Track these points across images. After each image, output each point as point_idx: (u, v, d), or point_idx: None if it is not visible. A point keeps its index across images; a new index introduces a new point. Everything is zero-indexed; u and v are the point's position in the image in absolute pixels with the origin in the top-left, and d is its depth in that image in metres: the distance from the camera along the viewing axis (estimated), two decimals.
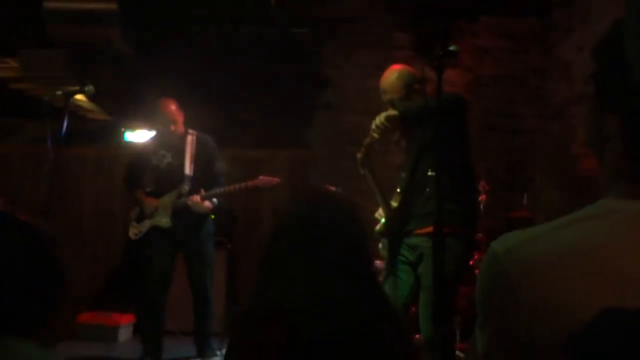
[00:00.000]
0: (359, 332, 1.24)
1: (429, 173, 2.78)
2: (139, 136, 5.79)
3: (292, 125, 5.64)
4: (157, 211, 4.10)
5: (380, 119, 2.82)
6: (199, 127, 4.30)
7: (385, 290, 1.56)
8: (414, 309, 3.15)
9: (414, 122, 2.93)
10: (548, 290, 0.70)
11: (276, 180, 4.06)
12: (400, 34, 5.10)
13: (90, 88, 3.18)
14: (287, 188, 4.25)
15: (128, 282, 5.03)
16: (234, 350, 1.32)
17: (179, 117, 4.16)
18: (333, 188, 3.35)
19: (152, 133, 4.46)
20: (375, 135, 2.86)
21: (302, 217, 1.39)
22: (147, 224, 4.11)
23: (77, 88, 3.23)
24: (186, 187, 4.09)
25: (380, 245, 3.15)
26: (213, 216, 4.20)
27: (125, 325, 4.89)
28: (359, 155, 3.07)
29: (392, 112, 2.86)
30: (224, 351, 2.67)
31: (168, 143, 4.16)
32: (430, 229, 2.45)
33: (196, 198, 4.02)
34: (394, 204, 3.04)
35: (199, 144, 4.18)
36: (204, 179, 4.12)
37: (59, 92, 3.12)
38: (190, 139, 4.17)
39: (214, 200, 4.10)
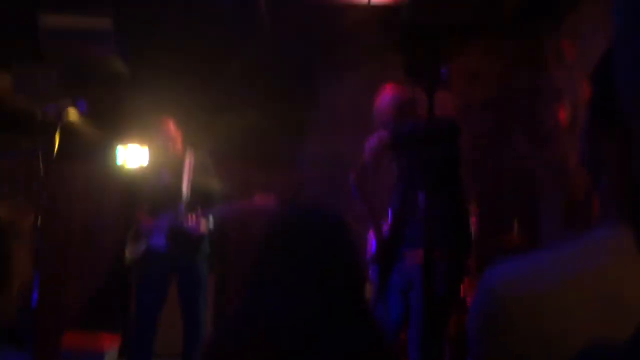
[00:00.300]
0: (334, 349, 1.22)
1: (420, 196, 2.79)
2: (131, 153, 5.78)
3: (284, 146, 5.64)
4: (154, 231, 4.08)
5: (372, 140, 2.83)
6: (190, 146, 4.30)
7: (372, 310, 1.54)
8: (403, 335, 3.13)
9: (406, 145, 2.94)
10: (547, 327, 0.69)
11: (273, 199, 4.02)
12: (392, 57, 5.14)
13: (83, 104, 3.18)
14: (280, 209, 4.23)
15: (116, 301, 4.98)
16: None
17: (178, 137, 4.16)
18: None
19: (145, 150, 4.45)
20: (367, 157, 2.86)
21: (287, 231, 1.37)
22: (143, 244, 4.08)
23: (69, 104, 3.22)
24: (183, 207, 4.07)
25: (370, 271, 3.14)
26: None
27: (110, 351, 4.79)
28: (351, 177, 3.08)
29: (381, 134, 2.87)
30: None
31: (166, 162, 4.15)
32: (421, 253, 2.44)
33: (192, 218, 3.99)
34: (386, 227, 3.03)
35: (197, 164, 4.17)
36: (202, 199, 4.09)
37: (51, 107, 3.12)
38: (188, 159, 4.16)
39: (210, 220, 4.07)
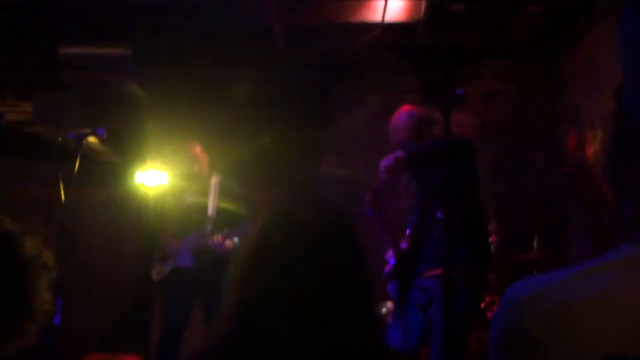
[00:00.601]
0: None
1: (438, 215, 2.78)
2: (149, 177, 5.83)
3: (300, 167, 5.66)
4: (180, 252, 4.12)
5: (388, 160, 2.84)
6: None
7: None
8: (424, 352, 3.11)
9: (423, 164, 2.95)
10: (570, 345, 0.68)
11: None
12: (407, 78, 5.17)
13: (102, 131, 3.24)
14: None
15: (137, 323, 4.99)
16: None
17: (204, 159, 4.26)
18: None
19: (164, 174, 4.50)
20: (383, 176, 2.87)
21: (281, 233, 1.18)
22: (169, 265, 4.13)
23: (89, 131, 3.28)
24: (209, 228, 4.10)
25: (389, 288, 3.13)
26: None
27: None
28: (366, 197, 3.08)
29: (400, 154, 2.88)
30: None
31: (192, 184, 4.23)
32: (440, 271, 2.44)
33: (218, 238, 4.02)
34: (404, 246, 3.03)
35: (223, 187, 4.23)
36: (227, 220, 4.13)
37: (71, 136, 3.18)
38: (214, 181, 4.22)
39: (235, 241, 4.10)
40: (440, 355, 2.63)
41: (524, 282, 0.76)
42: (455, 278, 2.34)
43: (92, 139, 4.52)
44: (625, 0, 0.74)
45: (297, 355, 1.07)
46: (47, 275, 1.21)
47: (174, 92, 5.57)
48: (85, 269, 5.33)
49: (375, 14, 4.38)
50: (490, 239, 4.03)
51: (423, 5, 4.26)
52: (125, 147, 5.89)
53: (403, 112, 3.14)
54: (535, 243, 4.47)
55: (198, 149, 4.26)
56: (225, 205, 4.16)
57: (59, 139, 3.22)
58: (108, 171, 6.43)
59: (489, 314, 3.83)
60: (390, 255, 3.09)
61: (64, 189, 2.98)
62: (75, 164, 3.11)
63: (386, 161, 2.86)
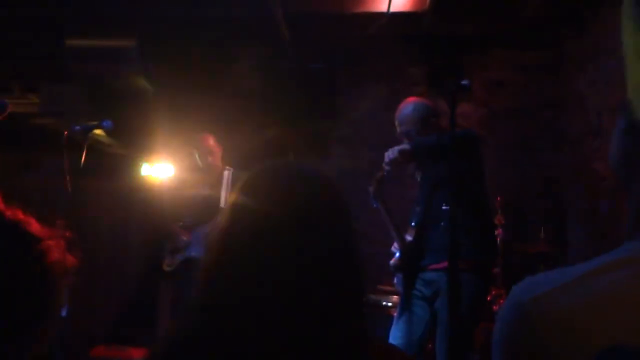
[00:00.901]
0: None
1: (444, 207, 2.77)
2: (156, 169, 5.84)
3: (306, 157, 5.66)
4: (191, 243, 4.14)
5: (392, 152, 2.83)
6: None
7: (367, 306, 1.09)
8: (430, 345, 3.11)
9: (427, 156, 2.94)
10: (575, 344, 0.68)
11: None
12: (413, 68, 5.15)
13: (108, 123, 3.24)
14: None
15: (145, 316, 5.02)
16: None
17: (217, 151, 4.30)
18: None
19: (169, 166, 4.52)
20: (387, 168, 2.86)
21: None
22: (180, 256, 4.16)
23: (95, 123, 3.29)
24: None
25: (395, 280, 3.12)
26: None
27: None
28: (371, 188, 3.07)
29: (405, 145, 2.87)
30: None
31: (205, 176, 4.26)
32: (445, 264, 2.43)
33: None
34: (409, 237, 3.02)
35: (235, 179, 4.25)
36: None
37: (77, 128, 3.18)
38: (227, 174, 4.24)
39: None
40: (447, 348, 2.63)
41: (530, 281, 0.75)
42: (461, 271, 2.33)
43: (98, 131, 4.54)
44: None
45: (279, 341, 0.97)
46: (66, 280, 1.20)
47: (180, 83, 5.56)
48: (91, 262, 5.35)
49: (380, 3, 4.35)
50: (496, 232, 4.02)
51: None
52: (131, 139, 5.90)
53: (409, 103, 3.12)
54: (541, 235, 4.45)
55: (212, 141, 4.29)
56: None
57: (65, 131, 3.21)
58: (114, 163, 6.44)
59: (495, 307, 3.82)
60: (395, 247, 3.09)
61: (70, 181, 2.98)
62: (81, 156, 3.12)
63: (391, 153, 2.84)
